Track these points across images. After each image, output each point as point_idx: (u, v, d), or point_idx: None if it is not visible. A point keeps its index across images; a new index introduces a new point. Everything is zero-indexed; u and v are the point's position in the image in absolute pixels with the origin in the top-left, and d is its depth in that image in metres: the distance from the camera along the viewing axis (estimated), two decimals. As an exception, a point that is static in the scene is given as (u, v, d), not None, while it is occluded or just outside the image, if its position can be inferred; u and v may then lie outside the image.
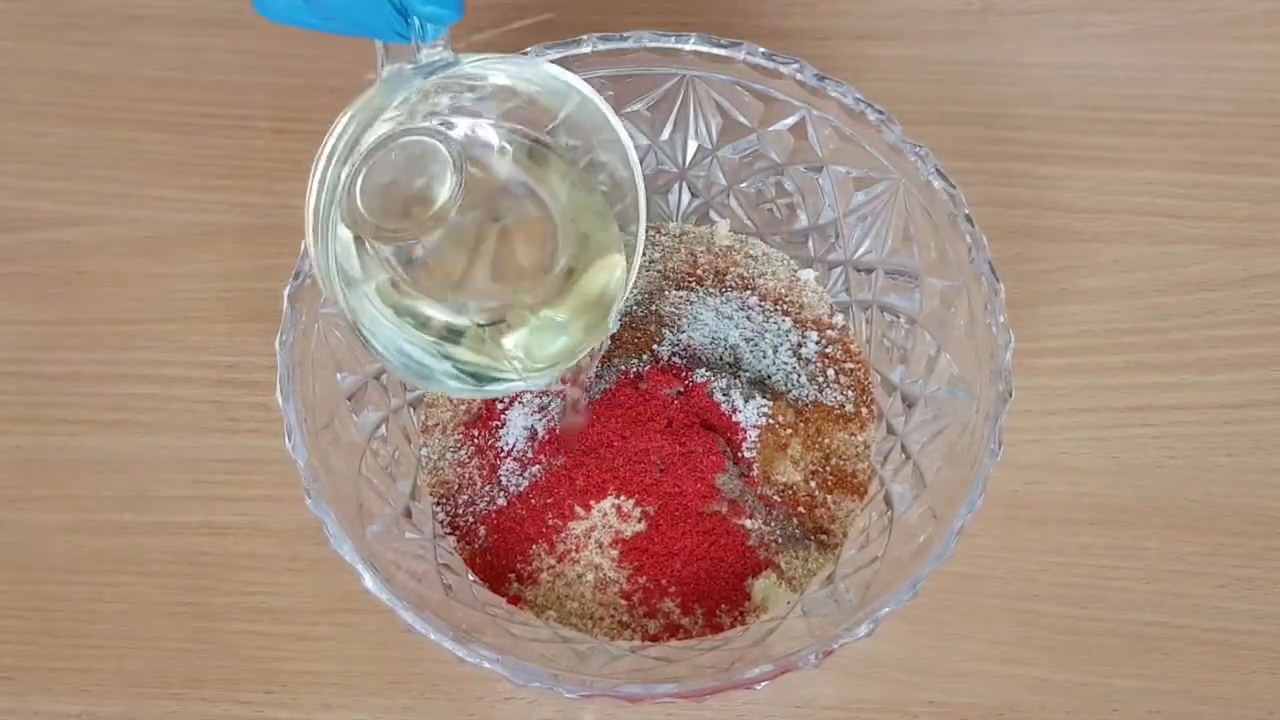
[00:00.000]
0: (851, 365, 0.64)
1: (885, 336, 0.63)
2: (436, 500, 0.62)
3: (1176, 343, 0.67)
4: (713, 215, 0.66)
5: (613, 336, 0.61)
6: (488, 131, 0.52)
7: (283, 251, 0.66)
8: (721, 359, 0.63)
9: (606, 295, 0.54)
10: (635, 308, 0.64)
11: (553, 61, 0.59)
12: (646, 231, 0.54)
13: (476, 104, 0.51)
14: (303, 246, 0.56)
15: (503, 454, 0.62)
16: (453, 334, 0.53)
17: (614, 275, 0.54)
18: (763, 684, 0.53)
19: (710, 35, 0.59)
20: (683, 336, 0.63)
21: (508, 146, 0.52)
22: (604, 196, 0.54)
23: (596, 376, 0.61)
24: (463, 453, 0.63)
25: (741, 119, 0.62)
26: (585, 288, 0.54)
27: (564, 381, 0.57)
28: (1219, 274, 0.68)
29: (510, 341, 0.53)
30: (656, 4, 0.73)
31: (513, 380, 0.53)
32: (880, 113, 0.58)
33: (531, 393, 0.62)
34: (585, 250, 0.54)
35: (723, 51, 0.59)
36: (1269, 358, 0.67)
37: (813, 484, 0.62)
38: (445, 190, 0.48)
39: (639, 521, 0.60)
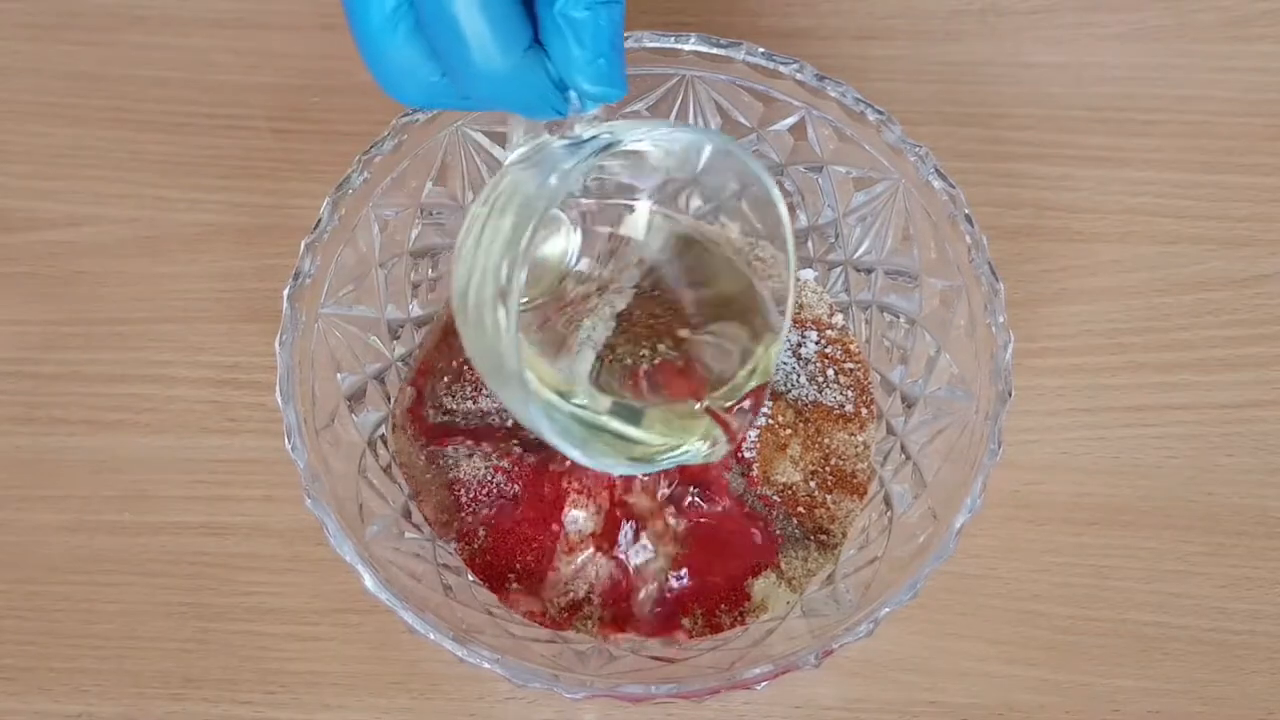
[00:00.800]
0: (851, 365, 0.64)
1: (885, 336, 0.63)
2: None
3: (1176, 343, 0.67)
4: (713, 215, 0.66)
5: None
6: (644, 208, 0.50)
7: (283, 251, 0.65)
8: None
9: (765, 367, 0.52)
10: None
11: None
12: None
13: (634, 179, 0.50)
14: (302, 246, 0.57)
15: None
16: (629, 412, 0.51)
17: (775, 349, 0.52)
18: (763, 684, 0.53)
19: (710, 35, 0.59)
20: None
21: (663, 222, 0.50)
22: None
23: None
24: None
25: (741, 119, 0.62)
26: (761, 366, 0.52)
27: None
28: (1219, 274, 0.68)
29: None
30: (656, 4, 0.73)
31: (688, 453, 0.51)
32: (880, 113, 0.58)
33: None
34: (762, 334, 0.52)
35: (723, 51, 0.59)
36: (1269, 358, 0.67)
37: (813, 484, 0.62)
38: (558, 242, 0.47)
39: (637, 522, 0.60)
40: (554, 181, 0.44)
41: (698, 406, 0.51)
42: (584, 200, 0.48)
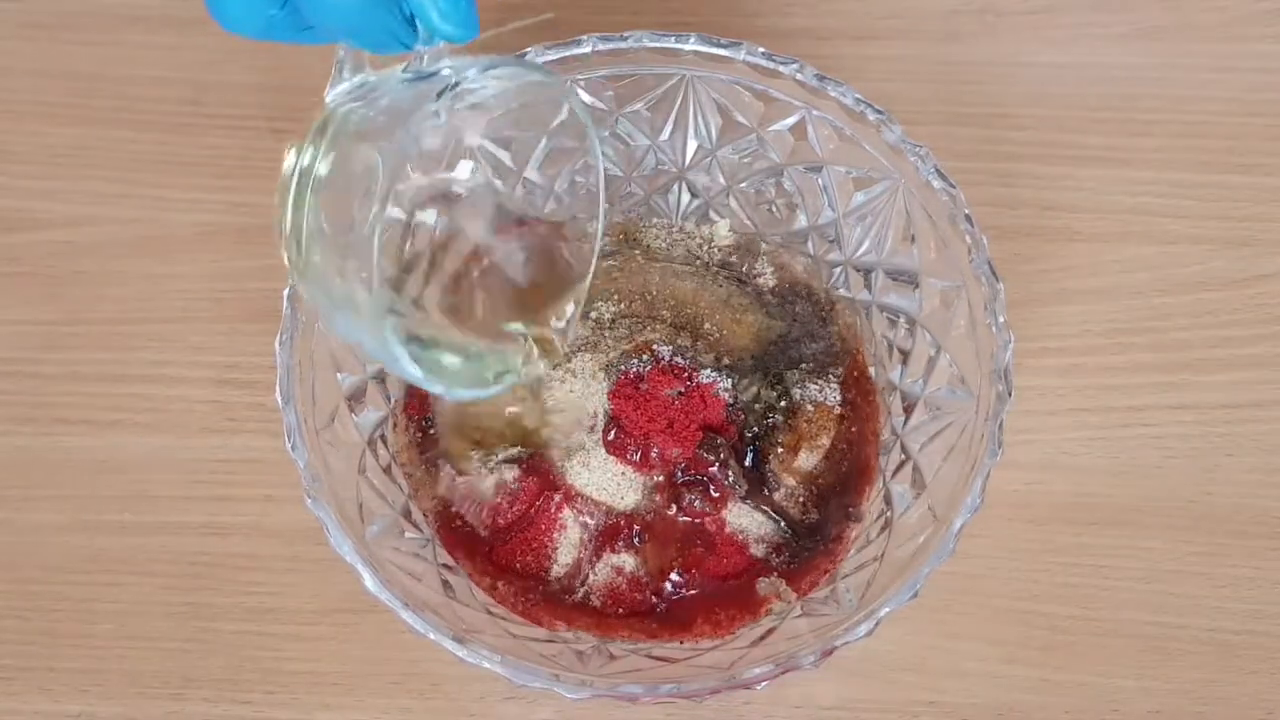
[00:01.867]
0: (852, 365, 0.64)
1: (885, 336, 0.63)
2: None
3: (1176, 343, 0.67)
4: (713, 215, 0.66)
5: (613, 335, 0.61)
6: (471, 156, 0.51)
7: (283, 251, 0.66)
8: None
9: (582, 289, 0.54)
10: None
11: (552, 62, 0.59)
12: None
13: (468, 121, 0.50)
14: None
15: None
16: (450, 342, 0.52)
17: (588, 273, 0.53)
18: (763, 684, 0.53)
19: (710, 35, 0.59)
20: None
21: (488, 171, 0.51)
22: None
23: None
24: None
25: (741, 119, 0.62)
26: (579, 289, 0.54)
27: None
28: (1219, 274, 0.68)
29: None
30: (656, 4, 0.73)
31: (511, 375, 0.52)
32: (880, 113, 0.58)
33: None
34: (577, 262, 0.53)
35: (723, 51, 0.59)
36: (1269, 358, 0.67)
37: (813, 484, 0.62)
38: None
39: (639, 522, 0.60)
40: (403, 134, 0.45)
41: (516, 329, 0.52)
42: (421, 144, 0.49)
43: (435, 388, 0.49)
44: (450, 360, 0.51)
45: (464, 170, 0.50)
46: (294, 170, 0.46)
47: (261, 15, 0.45)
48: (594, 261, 0.53)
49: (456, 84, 0.45)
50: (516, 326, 0.53)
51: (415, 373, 0.47)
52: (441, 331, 0.51)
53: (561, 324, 0.53)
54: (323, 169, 0.46)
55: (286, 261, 0.47)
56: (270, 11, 0.44)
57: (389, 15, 0.44)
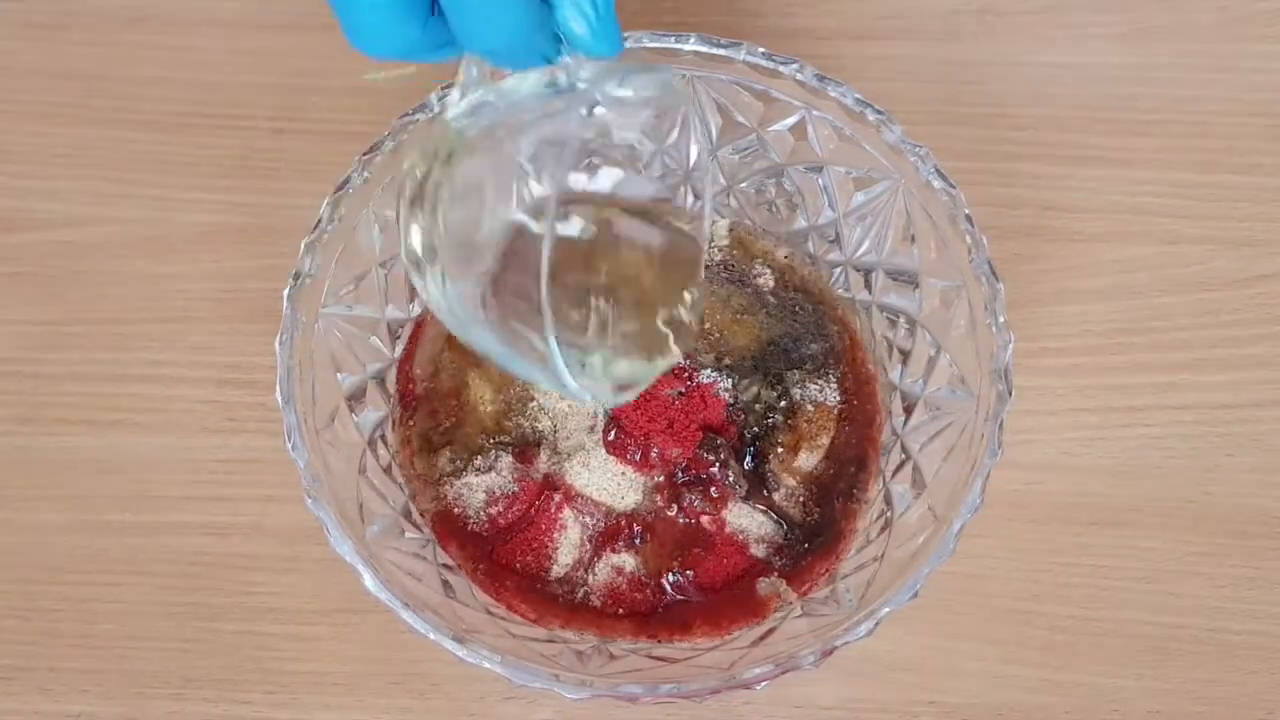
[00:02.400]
0: (852, 365, 0.64)
1: (885, 336, 0.63)
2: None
3: (1176, 343, 0.67)
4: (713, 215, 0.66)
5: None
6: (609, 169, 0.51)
7: (283, 251, 0.65)
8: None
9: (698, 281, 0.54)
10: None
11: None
12: None
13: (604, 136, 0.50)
14: (302, 246, 0.57)
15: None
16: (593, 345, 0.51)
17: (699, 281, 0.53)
18: (763, 684, 0.53)
19: (710, 35, 0.59)
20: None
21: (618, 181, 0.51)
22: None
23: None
24: (463, 453, 0.63)
25: (741, 119, 0.62)
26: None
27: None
28: (1219, 274, 0.68)
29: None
30: (656, 4, 0.73)
31: (642, 371, 0.52)
32: (880, 113, 0.58)
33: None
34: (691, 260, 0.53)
35: (723, 51, 0.59)
36: (1269, 358, 0.67)
37: (813, 484, 0.62)
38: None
39: (639, 522, 0.60)
40: (548, 147, 0.45)
41: (656, 321, 0.52)
42: (562, 155, 0.49)
43: (585, 396, 0.49)
44: (598, 366, 0.50)
45: (607, 176, 0.50)
46: (420, 193, 0.46)
47: (403, 39, 0.44)
48: (706, 234, 0.53)
49: (598, 101, 0.46)
50: (658, 318, 0.52)
51: (573, 386, 0.47)
52: (591, 339, 0.50)
53: (691, 301, 0.53)
54: (455, 184, 0.46)
55: (418, 284, 0.47)
56: (412, 35, 0.44)
57: (541, 35, 0.44)
